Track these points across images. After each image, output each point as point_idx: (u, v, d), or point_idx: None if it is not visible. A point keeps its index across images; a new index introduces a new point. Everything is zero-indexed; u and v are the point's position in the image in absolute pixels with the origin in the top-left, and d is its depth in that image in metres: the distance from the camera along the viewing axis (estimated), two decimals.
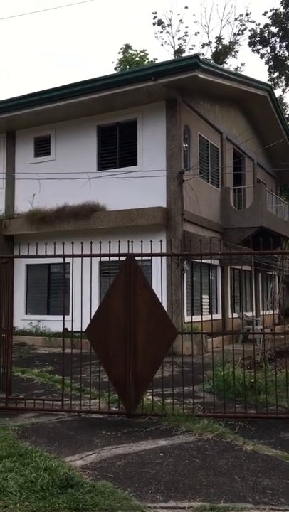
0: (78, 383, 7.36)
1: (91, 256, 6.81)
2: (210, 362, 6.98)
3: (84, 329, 6.43)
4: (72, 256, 6.84)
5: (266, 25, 31.55)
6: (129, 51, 32.20)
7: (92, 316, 6.50)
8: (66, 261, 6.95)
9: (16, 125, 15.76)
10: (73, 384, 7.29)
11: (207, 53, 33.11)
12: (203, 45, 33.58)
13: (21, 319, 14.86)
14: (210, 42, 33.29)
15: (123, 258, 6.51)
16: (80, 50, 62.06)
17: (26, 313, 15.26)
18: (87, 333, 6.51)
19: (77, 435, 5.49)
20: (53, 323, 14.09)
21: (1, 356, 7.17)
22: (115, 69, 31.89)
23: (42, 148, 15.73)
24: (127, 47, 32.29)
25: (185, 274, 13.10)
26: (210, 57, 32.15)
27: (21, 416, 6.27)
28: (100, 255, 6.83)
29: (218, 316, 15.51)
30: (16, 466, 4.35)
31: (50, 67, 61.46)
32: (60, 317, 6.99)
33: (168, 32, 32.42)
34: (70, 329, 6.87)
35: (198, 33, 49.18)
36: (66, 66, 61.30)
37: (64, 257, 6.84)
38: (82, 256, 6.70)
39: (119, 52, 32.59)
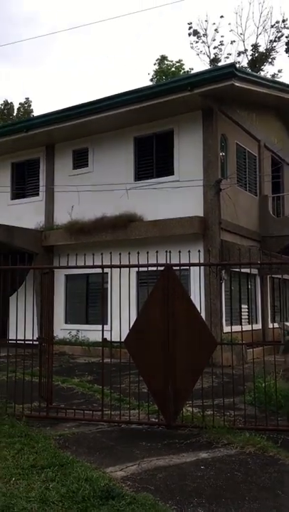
0: (118, 393, 7.39)
1: (129, 266, 6.85)
2: (250, 373, 6.87)
3: (122, 339, 6.46)
4: (111, 266, 6.90)
5: None
6: (165, 62, 32.44)
7: (131, 326, 6.53)
8: (104, 271, 7.02)
9: (55, 139, 16.11)
10: (113, 394, 7.32)
11: (243, 61, 32.93)
12: (239, 54, 33.34)
13: (61, 328, 15.06)
14: (246, 50, 33.12)
15: (161, 268, 6.52)
16: (116, 63, 62.99)
17: (66, 323, 15.46)
18: (126, 343, 6.54)
19: (118, 446, 5.50)
20: (91, 333, 14.23)
21: (42, 365, 7.29)
22: (151, 80, 32.18)
23: (80, 160, 16.00)
24: (163, 58, 32.55)
25: (223, 284, 12.98)
26: (246, 65, 31.96)
27: (62, 425, 6.34)
28: (138, 265, 6.86)
29: (258, 326, 15.25)
30: (57, 476, 4.40)
31: (86, 80, 62.63)
32: (99, 327, 7.05)
33: (203, 42, 32.34)
34: (108, 339, 6.91)
35: (234, 41, 48.75)
36: (102, 79, 62.30)
37: (103, 267, 6.91)
38: (120, 266, 6.75)
39: (154, 64, 32.90)
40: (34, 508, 3.78)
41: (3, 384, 7.21)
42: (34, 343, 7.10)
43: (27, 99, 44.19)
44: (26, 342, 7.01)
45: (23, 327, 7.01)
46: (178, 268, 6.50)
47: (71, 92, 60.62)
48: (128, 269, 6.85)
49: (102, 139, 15.43)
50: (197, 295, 7.33)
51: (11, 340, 7.31)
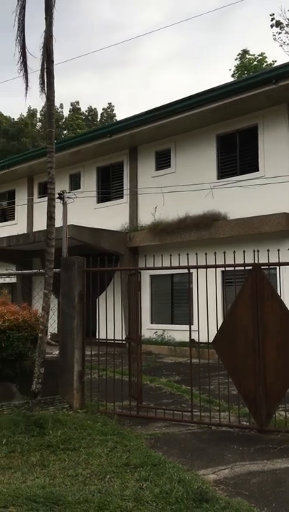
0: (206, 394, 7.32)
1: (215, 267, 6.77)
2: None
3: (209, 339, 6.39)
4: (197, 267, 6.84)
5: None
6: (247, 56, 31.70)
7: (219, 327, 6.44)
8: (189, 271, 6.98)
9: (137, 141, 16.36)
10: (201, 395, 7.26)
11: None
12: None
13: (147, 328, 15.24)
14: None
15: (248, 268, 6.37)
16: (195, 62, 62.74)
17: (151, 323, 15.62)
18: (214, 344, 6.47)
19: (209, 448, 5.44)
20: (177, 333, 14.27)
21: (131, 364, 7.42)
22: (232, 76, 31.60)
23: (162, 161, 16.10)
24: (244, 52, 31.82)
25: None
26: None
27: (152, 425, 6.40)
28: (225, 265, 6.75)
29: None
30: (150, 476, 4.44)
31: (165, 81, 63.00)
32: (184, 327, 7.03)
33: (287, 32, 31.17)
34: (196, 339, 6.87)
35: None
36: (182, 80, 62.33)
37: (189, 268, 6.89)
38: (206, 267, 6.69)
39: (236, 59, 32.27)
40: (129, 507, 3.85)
41: (94, 382, 7.43)
42: (118, 342, 7.24)
43: (110, 104, 45.38)
44: (110, 341, 7.16)
45: (110, 327, 7.17)
46: (266, 267, 6.31)
47: (151, 94, 61.31)
48: (214, 269, 6.78)
49: (184, 138, 15.41)
50: (287, 296, 7.06)
51: (98, 339, 7.50)
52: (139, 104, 56.49)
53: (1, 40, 66.84)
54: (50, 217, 6.85)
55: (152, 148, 16.30)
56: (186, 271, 7.03)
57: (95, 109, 45.49)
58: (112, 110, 45.39)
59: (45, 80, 6.67)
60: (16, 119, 42.73)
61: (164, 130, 15.23)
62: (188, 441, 5.70)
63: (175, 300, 15.40)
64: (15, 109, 63.46)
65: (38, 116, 44.94)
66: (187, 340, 13.33)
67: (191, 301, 7.25)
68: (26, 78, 6.63)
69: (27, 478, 4.48)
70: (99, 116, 45.14)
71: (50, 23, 6.51)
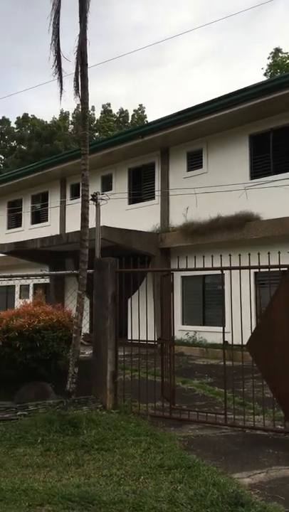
0: (240, 397, 7.24)
1: (249, 268, 6.70)
2: None
3: (242, 341, 6.32)
4: (230, 268, 6.78)
5: None
6: (279, 55, 31.26)
7: (253, 329, 6.36)
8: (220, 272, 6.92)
9: (169, 142, 16.35)
10: (235, 398, 7.19)
11: None
12: None
13: (178, 329, 15.17)
14: None
15: (284, 269, 6.26)
16: (227, 61, 62.27)
17: (183, 324, 15.57)
18: (248, 346, 6.40)
19: (243, 451, 5.38)
20: (208, 334, 14.17)
21: (163, 365, 7.41)
22: (265, 75, 31.21)
23: (194, 162, 16.03)
24: (277, 51, 31.39)
25: None
26: None
27: (185, 427, 6.37)
28: (259, 267, 6.67)
29: None
30: (184, 478, 4.42)
31: (198, 81, 62.76)
32: (216, 328, 6.97)
33: None
34: (229, 341, 6.81)
35: None
36: (213, 80, 61.96)
37: (222, 269, 6.83)
38: (240, 268, 6.63)
39: (268, 58, 31.87)
40: (164, 508, 3.84)
41: (127, 382, 7.45)
42: (150, 343, 7.24)
43: (140, 105, 45.50)
44: (143, 342, 7.17)
45: (141, 328, 7.18)
46: None
47: (183, 95, 61.17)
48: (248, 270, 6.71)
49: (216, 138, 15.30)
50: None
51: (130, 340, 7.53)
52: (170, 105, 56.38)
53: (32, 45, 68.02)
54: (84, 219, 6.91)
55: (184, 148, 16.25)
56: (218, 272, 6.97)
57: (126, 110, 45.72)
58: (143, 112, 45.51)
59: (80, 83, 6.74)
60: (48, 122, 43.38)
61: (196, 131, 15.17)
62: (222, 444, 5.65)
63: (207, 301, 15.30)
64: (47, 113, 64.48)
65: (70, 118, 45.50)
66: (219, 341, 13.21)
67: (224, 303, 7.19)
68: (61, 82, 6.71)
69: (62, 477, 4.53)
70: (130, 118, 45.34)
71: (84, 27, 6.58)
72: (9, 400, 6.95)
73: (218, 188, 14.14)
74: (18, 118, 47.07)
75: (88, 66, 6.82)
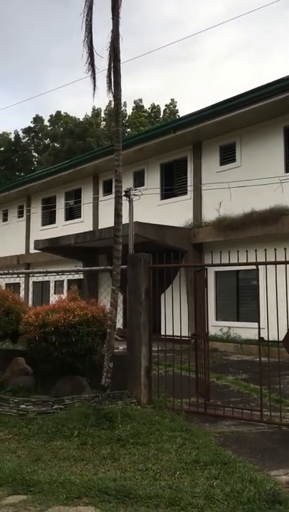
0: (276, 394, 7.13)
1: (286, 263, 6.56)
2: None
3: (278, 337, 6.22)
4: (266, 263, 6.66)
5: None
6: None
7: None
8: (255, 267, 6.82)
9: (201, 136, 16.22)
10: (271, 394, 7.08)
11: None
12: None
13: (212, 325, 15.03)
14: None
15: None
16: (260, 54, 61.23)
17: (216, 320, 15.46)
18: (284, 343, 6.29)
19: (280, 449, 5.31)
20: (243, 330, 14.03)
21: (197, 361, 7.37)
22: None
23: (227, 156, 15.85)
24: None
25: None
26: None
27: (220, 423, 6.33)
28: None
29: None
30: (220, 474, 4.39)
31: (230, 74, 61.98)
32: (250, 324, 6.89)
33: None
34: (264, 338, 6.72)
35: None
36: (247, 72, 61.06)
37: (257, 264, 6.72)
38: (276, 263, 6.51)
39: None
40: (200, 504, 3.83)
41: (161, 378, 7.46)
42: (184, 338, 7.20)
43: (172, 100, 45.30)
44: (177, 337, 7.14)
45: (174, 323, 7.16)
46: None
47: (216, 88, 60.55)
48: (285, 265, 6.58)
49: (249, 132, 15.08)
50: None
51: (163, 335, 7.51)
52: (203, 99, 55.99)
53: (64, 43, 68.60)
54: (118, 215, 6.93)
55: (216, 142, 16.09)
56: (252, 267, 6.87)
57: (158, 106, 45.60)
58: (175, 106, 45.27)
59: (112, 79, 6.75)
60: (81, 119, 43.74)
61: (228, 124, 14.99)
62: (258, 441, 5.59)
63: (241, 297, 15.14)
64: (80, 110, 65.00)
65: (103, 115, 45.74)
66: (254, 337, 13.11)
67: (259, 298, 7.09)
68: (94, 78, 6.73)
69: (98, 471, 4.58)
70: (161, 113, 45.21)
71: (116, 23, 6.58)
72: (46, 393, 7.07)
73: (252, 182, 13.95)
74: (51, 116, 47.69)
75: (120, 62, 6.82)
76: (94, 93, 6.74)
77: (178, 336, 7.15)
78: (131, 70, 61.65)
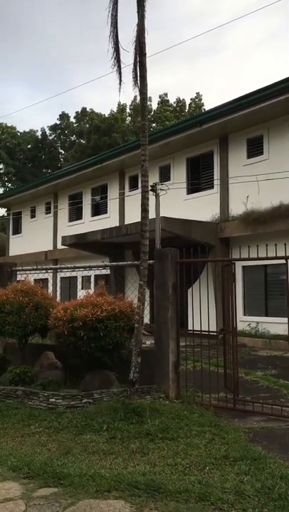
0: None
1: None
2: None
3: None
4: None
5: None
6: None
7: None
8: (284, 262, 6.71)
9: (228, 129, 16.03)
10: None
11: None
12: None
13: (240, 320, 14.92)
14: None
15: None
16: (287, 44, 60.06)
17: (244, 315, 15.32)
18: None
19: None
20: (271, 325, 13.86)
21: (225, 356, 7.32)
22: None
23: (254, 148, 15.63)
24: None
25: None
26: None
27: (249, 418, 6.27)
28: None
29: None
30: (250, 470, 4.36)
31: (257, 65, 61.04)
32: (280, 319, 6.79)
33: None
34: None
35: None
36: (274, 62, 60.05)
37: (286, 258, 6.61)
38: None
39: None
40: (230, 500, 3.80)
41: (189, 373, 7.44)
42: (211, 333, 7.15)
43: (197, 93, 44.97)
44: (204, 332, 7.09)
45: (201, 318, 7.12)
46: None
47: (242, 81, 59.78)
48: None
49: (277, 124, 14.83)
50: None
51: (191, 330, 7.48)
52: (229, 91, 55.33)
53: (88, 40, 68.75)
54: (145, 210, 6.92)
55: (244, 135, 15.89)
56: (281, 261, 6.76)
57: (183, 100, 45.33)
58: (200, 100, 44.94)
59: (138, 74, 6.73)
60: (106, 115, 43.85)
61: (256, 116, 14.78)
62: None
63: (269, 292, 14.95)
64: (105, 106, 65.17)
65: (128, 110, 45.74)
66: (283, 333, 12.95)
67: (285, 293, 6.98)
68: (120, 73, 6.72)
69: (128, 465, 4.60)
70: (187, 107, 44.93)
71: (142, 16, 6.54)
72: (75, 387, 7.14)
73: (280, 175, 13.72)
74: (76, 113, 47.99)
75: (146, 56, 6.79)
76: (120, 88, 6.74)
77: (205, 331, 7.11)
78: (156, 64, 61.48)
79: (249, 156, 15.74)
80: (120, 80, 6.71)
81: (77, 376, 7.42)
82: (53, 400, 6.56)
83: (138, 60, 6.72)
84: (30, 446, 5.18)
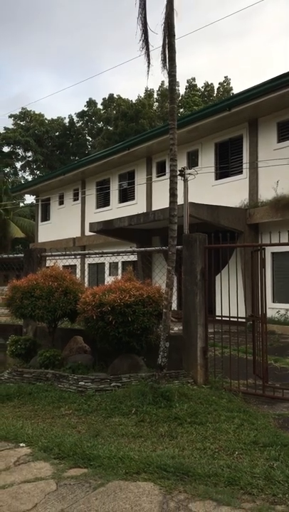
0: None
1: None
2: None
3: None
4: None
5: None
6: None
7: None
8: None
9: (258, 113, 15.71)
10: None
11: None
12: None
13: (269, 307, 14.67)
14: None
15: None
16: None
17: (273, 302, 15.12)
18: None
19: None
20: None
21: (254, 343, 7.25)
22: None
23: (285, 132, 15.28)
24: None
25: None
26: None
27: (279, 405, 6.21)
28: None
29: None
30: (280, 456, 4.32)
31: (284, 49, 59.51)
32: None
33: None
34: None
35: None
36: None
37: None
38: None
39: None
40: (260, 485, 3.78)
41: (217, 359, 7.40)
42: (239, 320, 7.08)
43: (226, 77, 44.26)
44: (232, 319, 7.02)
45: (229, 304, 7.05)
46: None
47: (272, 63, 58.42)
48: None
49: None
50: None
51: (219, 316, 7.43)
52: (259, 74, 54.16)
53: (115, 26, 68.22)
54: (173, 194, 6.86)
55: (274, 119, 15.54)
56: None
57: (212, 84, 44.66)
58: (229, 84, 44.19)
59: (167, 55, 6.62)
60: (133, 101, 43.59)
61: (287, 99, 14.41)
62: None
63: None
64: (132, 91, 64.78)
65: (155, 96, 45.36)
66: None
67: None
68: (148, 56, 6.63)
69: (156, 448, 4.62)
70: (215, 92, 44.26)
71: None
72: (103, 371, 7.21)
73: None
74: (104, 99, 47.92)
75: (175, 37, 6.67)
76: (148, 70, 6.65)
77: (234, 317, 7.04)
78: (184, 48, 60.55)
79: (280, 140, 15.40)
80: (149, 63, 6.63)
81: (106, 360, 7.48)
82: (82, 383, 6.64)
83: (167, 41, 6.61)
84: (60, 427, 5.26)
